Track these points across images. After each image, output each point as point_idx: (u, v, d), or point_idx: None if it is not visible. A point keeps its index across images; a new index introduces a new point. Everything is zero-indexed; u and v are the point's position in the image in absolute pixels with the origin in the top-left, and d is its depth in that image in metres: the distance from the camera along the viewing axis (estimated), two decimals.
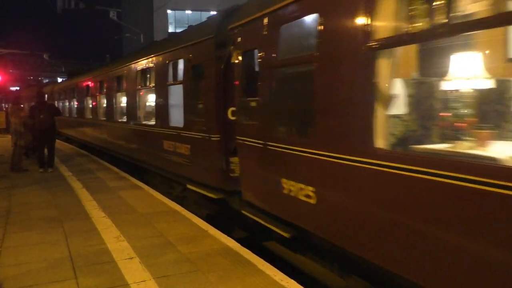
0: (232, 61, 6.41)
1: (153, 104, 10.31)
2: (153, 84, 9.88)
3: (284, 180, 4.89)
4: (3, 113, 25.83)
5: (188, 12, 46.20)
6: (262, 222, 5.44)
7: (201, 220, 6.63)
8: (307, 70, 4.65)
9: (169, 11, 46.17)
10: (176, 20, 46.63)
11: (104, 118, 14.31)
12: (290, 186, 4.78)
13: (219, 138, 6.75)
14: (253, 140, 5.58)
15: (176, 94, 8.48)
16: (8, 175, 11.27)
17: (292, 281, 4.32)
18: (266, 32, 5.28)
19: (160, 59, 9.29)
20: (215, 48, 6.84)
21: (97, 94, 15.27)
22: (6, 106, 29.73)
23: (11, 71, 46.75)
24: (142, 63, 10.48)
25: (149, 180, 10.51)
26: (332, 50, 4.14)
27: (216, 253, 5.13)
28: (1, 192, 9.09)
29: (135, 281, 4.38)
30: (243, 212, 6.00)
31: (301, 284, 4.27)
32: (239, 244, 5.45)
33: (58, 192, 8.90)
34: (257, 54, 5.60)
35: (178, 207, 7.42)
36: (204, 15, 36.88)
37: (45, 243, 5.65)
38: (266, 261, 4.91)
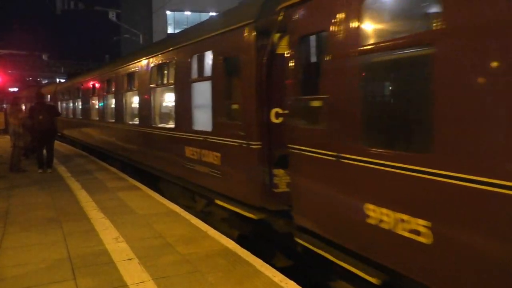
0: (278, 51, 5.38)
1: (171, 104, 9.05)
2: (172, 81, 8.54)
3: (370, 206, 3.74)
4: (2, 114, 25.80)
5: (187, 13, 46.26)
6: (335, 260, 4.21)
7: (200, 221, 6.62)
8: (418, 55, 3.48)
9: (168, 12, 46.22)
10: (175, 21, 46.66)
11: (113, 120, 13.03)
12: (381, 215, 3.63)
13: (260, 146, 5.63)
14: (317, 150, 4.40)
15: (202, 92, 7.29)
16: (7, 175, 11.25)
17: (291, 282, 4.32)
18: (345, 7, 4.02)
19: (181, 52, 8.01)
20: (256, 36, 5.66)
21: (105, 93, 13.98)
22: (5, 106, 29.68)
23: (10, 71, 46.73)
24: (159, 58, 9.22)
25: (165, 190, 9.46)
26: (479, 21, 2.80)
27: (215, 254, 5.12)
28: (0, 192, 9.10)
29: (134, 282, 4.37)
30: (298, 240, 4.87)
31: (300, 285, 4.27)
32: (238, 245, 5.45)
33: (57, 193, 8.89)
34: (325, 38, 4.34)
35: (177, 208, 7.42)
36: (203, 16, 37.01)
37: (44, 244, 5.64)
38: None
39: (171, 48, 8.62)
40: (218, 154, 6.56)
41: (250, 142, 5.75)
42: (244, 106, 5.97)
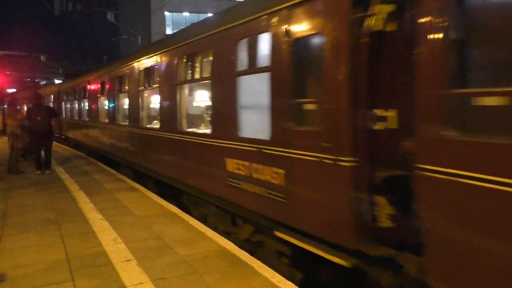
0: (383, 28, 3.84)
1: (205, 104, 7.73)
2: (208, 76, 6.92)
3: None
4: (0, 115, 25.76)
5: (186, 14, 46.26)
6: None
7: (199, 222, 6.62)
8: None
9: (166, 13, 46.21)
10: (174, 22, 46.66)
11: (126, 123, 11.44)
12: None
13: (355, 164, 4.03)
14: (503, 180, 2.76)
15: (254, 88, 5.81)
16: (5, 177, 11.24)
17: (290, 283, 4.33)
18: None
19: (221, 38, 6.40)
20: (350, 5, 4.04)
21: (117, 92, 12.29)
22: (4, 107, 29.64)
23: (8, 72, 46.69)
24: (187, 48, 7.59)
25: (192, 207, 8.10)
26: None
27: (214, 255, 5.13)
28: None
29: (132, 283, 4.37)
30: None
31: (299, 286, 4.27)
32: (236, 246, 5.45)
33: (55, 194, 8.88)
34: None
35: (175, 209, 7.42)
36: (201, 17, 37.02)
37: (42, 245, 5.63)
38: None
39: (204, 35, 6.96)
40: (281, 171, 5.01)
41: (339, 158, 4.16)
42: (329, 106, 4.33)
